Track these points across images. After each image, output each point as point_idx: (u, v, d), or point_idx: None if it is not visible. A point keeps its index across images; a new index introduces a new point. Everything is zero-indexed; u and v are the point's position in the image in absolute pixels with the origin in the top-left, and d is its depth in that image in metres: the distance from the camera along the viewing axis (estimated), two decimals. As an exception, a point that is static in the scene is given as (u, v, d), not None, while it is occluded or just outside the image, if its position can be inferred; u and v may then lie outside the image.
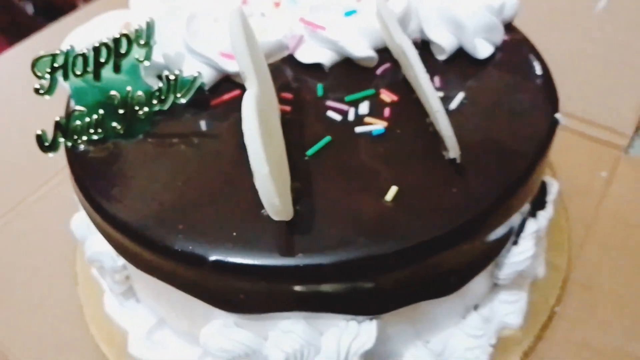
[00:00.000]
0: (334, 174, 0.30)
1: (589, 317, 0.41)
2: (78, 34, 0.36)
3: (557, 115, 0.34)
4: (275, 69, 0.36)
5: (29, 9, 1.32)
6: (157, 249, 0.29)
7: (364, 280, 0.28)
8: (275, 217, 0.25)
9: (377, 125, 0.32)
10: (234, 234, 0.28)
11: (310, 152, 0.31)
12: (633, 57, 0.55)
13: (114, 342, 0.39)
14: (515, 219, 0.33)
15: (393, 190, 0.29)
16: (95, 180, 0.32)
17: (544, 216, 0.37)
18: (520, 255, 0.35)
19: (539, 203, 0.38)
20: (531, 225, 0.35)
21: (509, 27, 0.40)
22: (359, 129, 0.32)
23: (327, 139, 0.32)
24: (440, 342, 0.36)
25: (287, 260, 0.27)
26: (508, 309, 0.38)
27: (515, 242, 0.35)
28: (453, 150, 0.28)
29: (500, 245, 0.33)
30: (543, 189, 0.39)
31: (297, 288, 0.28)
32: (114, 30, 0.36)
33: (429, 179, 0.30)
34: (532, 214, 0.37)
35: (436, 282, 0.31)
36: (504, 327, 0.38)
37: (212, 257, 0.28)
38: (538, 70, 0.37)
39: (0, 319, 0.43)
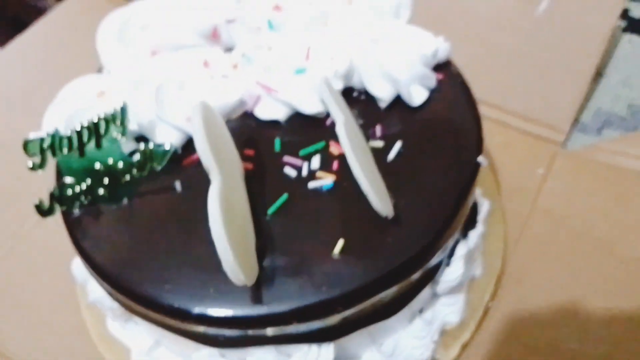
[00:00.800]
0: (290, 230, 0.36)
1: (520, 310, 0.48)
2: (56, 108, 0.40)
3: (479, 159, 0.40)
4: (238, 125, 0.41)
5: None
6: (149, 305, 0.35)
7: (319, 320, 0.35)
8: (241, 285, 0.31)
9: (327, 180, 0.38)
10: (211, 290, 0.34)
11: (270, 211, 0.37)
12: (570, 57, 0.60)
13: (119, 356, 0.46)
14: (446, 247, 0.40)
15: (340, 243, 0.35)
16: (89, 240, 0.38)
17: (475, 234, 0.44)
18: (453, 274, 0.41)
19: (470, 223, 0.44)
20: (461, 249, 0.41)
21: (445, 64, 0.45)
22: (311, 185, 0.38)
23: (285, 196, 0.37)
24: (391, 344, 0.43)
25: (255, 310, 0.33)
26: (448, 310, 0.45)
27: (447, 264, 0.41)
28: (381, 210, 0.34)
29: (433, 271, 0.40)
30: (474, 209, 0.45)
31: (266, 331, 0.35)
32: (90, 99, 0.41)
33: (369, 230, 0.36)
34: (464, 234, 0.43)
35: (380, 311, 0.38)
36: (445, 325, 0.46)
37: (195, 311, 0.34)
38: (466, 112, 0.42)
39: (15, 338, 0.50)
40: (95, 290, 0.41)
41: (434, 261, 0.38)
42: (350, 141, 0.32)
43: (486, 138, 0.60)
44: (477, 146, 0.40)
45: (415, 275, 0.37)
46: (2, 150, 0.59)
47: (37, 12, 0.96)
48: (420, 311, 0.45)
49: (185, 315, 0.34)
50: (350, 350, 0.41)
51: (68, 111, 0.39)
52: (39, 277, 0.53)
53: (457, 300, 0.46)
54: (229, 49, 0.45)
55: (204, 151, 0.31)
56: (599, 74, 0.66)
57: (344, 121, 0.33)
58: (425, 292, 0.43)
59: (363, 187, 0.33)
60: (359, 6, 0.45)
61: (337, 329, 0.36)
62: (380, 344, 0.43)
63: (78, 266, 0.43)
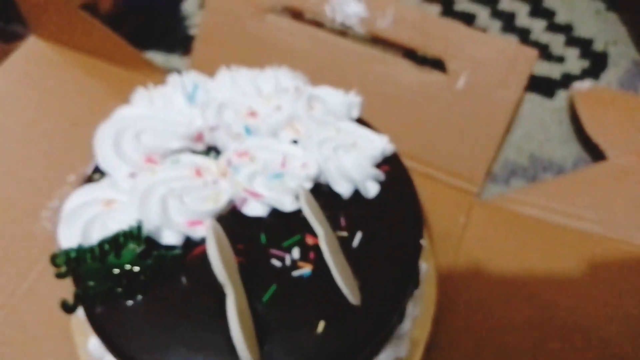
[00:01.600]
0: (281, 314, 0.46)
1: (451, 341, 0.61)
2: (70, 216, 0.46)
3: (422, 242, 0.51)
4: (228, 221, 0.49)
5: None
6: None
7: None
8: (252, 371, 0.41)
9: (306, 269, 0.47)
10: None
11: (265, 299, 0.46)
12: (483, 122, 0.73)
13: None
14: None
15: (322, 324, 0.45)
16: (106, 326, 0.45)
17: (419, 292, 0.55)
18: (404, 329, 0.53)
19: (416, 284, 0.56)
20: (410, 307, 0.53)
21: (391, 157, 0.55)
22: (294, 273, 0.47)
23: (274, 287, 0.46)
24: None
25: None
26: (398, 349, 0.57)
27: (400, 321, 0.53)
28: (351, 299, 0.44)
29: (393, 331, 0.51)
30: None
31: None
32: (100, 208, 0.47)
33: (344, 311, 0.46)
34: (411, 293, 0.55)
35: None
36: None
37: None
38: (409, 200, 0.53)
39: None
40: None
41: (394, 327, 0.49)
42: (329, 249, 0.42)
43: (418, 190, 0.73)
44: (419, 230, 0.51)
45: (383, 339, 0.48)
46: None
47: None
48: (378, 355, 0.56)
49: (202, 392, 0.43)
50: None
51: (81, 222, 0.46)
52: (39, 342, 0.59)
53: (403, 340, 0.57)
54: (210, 147, 0.53)
55: (219, 270, 0.40)
56: (506, 130, 0.80)
57: (322, 234, 0.43)
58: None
59: (340, 286, 0.43)
60: (318, 110, 0.54)
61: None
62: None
63: (95, 346, 0.50)
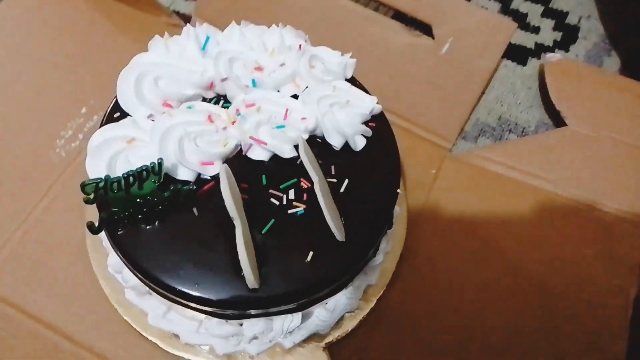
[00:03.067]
0: (277, 244, 0.53)
1: (415, 276, 0.70)
2: (96, 151, 0.52)
3: (398, 191, 0.58)
4: (234, 163, 0.55)
5: None
6: (170, 290, 0.51)
7: (296, 302, 0.53)
8: (252, 287, 0.48)
9: (299, 208, 0.54)
10: (227, 285, 0.51)
11: (264, 231, 0.53)
12: (462, 85, 0.79)
13: (138, 319, 0.62)
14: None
15: (310, 254, 0.53)
16: (127, 246, 0.52)
17: (390, 231, 0.63)
18: (376, 261, 0.61)
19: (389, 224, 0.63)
20: (383, 243, 0.61)
21: (378, 115, 0.61)
22: (290, 211, 0.54)
23: (272, 221, 0.53)
24: (332, 303, 0.63)
25: (254, 294, 0.51)
26: (369, 277, 0.66)
27: (374, 255, 0.61)
28: (338, 236, 0.52)
29: (368, 261, 0.59)
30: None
31: (258, 309, 0.52)
32: (123, 144, 0.53)
33: (329, 245, 0.54)
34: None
35: (335, 290, 0.56)
36: (366, 286, 0.66)
37: (215, 298, 0.50)
38: (389, 154, 0.60)
39: (45, 307, 0.63)
40: (130, 278, 0.55)
41: (369, 260, 0.57)
42: (322, 194, 0.49)
43: (398, 142, 0.80)
44: (397, 181, 0.58)
45: (359, 270, 0.56)
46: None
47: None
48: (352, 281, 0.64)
49: (208, 303, 0.50)
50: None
51: (106, 156, 0.51)
52: (58, 258, 0.66)
53: (375, 270, 0.66)
54: (221, 96, 0.58)
55: (230, 206, 0.46)
56: (481, 92, 0.86)
57: (317, 180, 0.49)
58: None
59: (330, 225, 0.50)
60: (318, 70, 0.59)
61: (305, 305, 0.55)
62: (325, 303, 0.63)
63: (113, 261, 0.57)
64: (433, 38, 0.76)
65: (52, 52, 0.78)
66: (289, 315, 0.55)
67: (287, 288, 0.51)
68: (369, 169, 0.58)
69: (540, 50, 0.90)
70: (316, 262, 0.52)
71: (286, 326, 0.55)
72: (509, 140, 0.83)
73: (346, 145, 0.59)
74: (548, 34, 0.92)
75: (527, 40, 0.91)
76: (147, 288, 0.56)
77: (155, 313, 0.60)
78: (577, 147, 0.79)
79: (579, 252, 0.72)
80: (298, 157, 0.56)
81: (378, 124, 0.61)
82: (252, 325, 0.55)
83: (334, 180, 0.57)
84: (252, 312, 0.53)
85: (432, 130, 0.79)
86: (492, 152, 0.80)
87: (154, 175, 0.50)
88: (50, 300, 0.63)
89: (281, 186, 0.55)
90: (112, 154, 0.52)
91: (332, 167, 0.57)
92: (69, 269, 0.65)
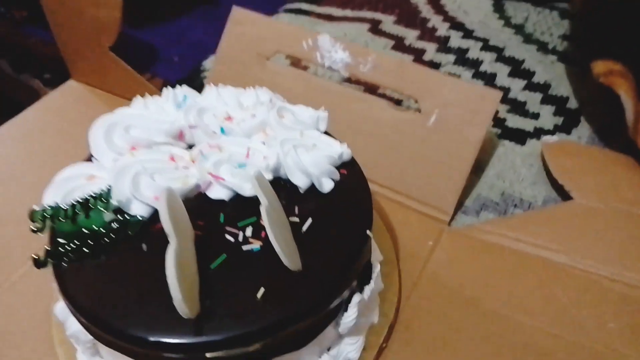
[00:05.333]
0: (227, 280, 0.47)
1: (404, 350, 0.59)
2: (56, 185, 0.51)
3: (368, 232, 0.52)
4: (193, 203, 0.53)
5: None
6: (115, 334, 0.45)
7: (243, 347, 0.45)
8: (186, 317, 0.42)
9: (256, 245, 0.50)
10: (163, 323, 0.44)
11: (213, 265, 0.48)
12: (453, 157, 0.75)
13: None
14: (344, 296, 0.51)
15: (261, 290, 0.46)
16: (72, 285, 0.48)
17: (368, 288, 0.56)
18: (349, 317, 0.52)
19: (365, 280, 0.56)
20: (355, 298, 0.53)
21: (350, 162, 0.59)
22: (245, 247, 0.49)
23: (223, 256, 0.49)
24: (303, 375, 0.54)
25: (194, 339, 0.44)
26: (350, 348, 0.56)
27: (345, 309, 0.53)
28: (290, 265, 0.46)
29: (334, 313, 0.51)
30: (369, 269, 0.57)
31: (202, 355, 0.45)
32: (82, 181, 0.52)
33: (284, 281, 0.47)
34: (360, 288, 0.55)
35: (291, 340, 0.48)
36: (347, 360, 0.57)
37: (151, 338, 0.44)
38: (361, 197, 0.55)
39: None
40: (73, 326, 0.50)
41: (332, 305, 0.49)
42: (268, 217, 0.45)
43: (390, 215, 0.75)
44: (367, 222, 0.53)
45: (318, 315, 0.48)
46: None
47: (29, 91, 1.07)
48: (329, 349, 0.55)
49: (143, 343, 0.44)
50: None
51: (64, 190, 0.50)
52: (20, 324, 0.61)
53: (358, 340, 0.57)
54: (191, 146, 0.58)
55: (165, 221, 0.43)
56: (480, 169, 0.82)
57: (266, 204, 0.46)
58: (331, 333, 0.54)
59: (275, 248, 0.45)
60: (288, 119, 0.59)
61: (258, 356, 0.47)
62: (296, 375, 0.53)
63: (60, 308, 0.52)
64: (419, 111, 0.75)
65: (67, 147, 0.82)
66: (245, 373, 0.47)
67: (232, 325, 0.44)
68: (337, 210, 0.54)
69: (539, 133, 0.87)
70: (268, 298, 0.46)
71: (236, 384, 0.47)
72: (514, 214, 0.76)
73: (313, 189, 0.55)
74: (548, 119, 0.90)
75: (526, 124, 0.89)
76: (89, 337, 0.50)
77: (103, 379, 0.53)
78: (586, 219, 0.71)
79: (602, 327, 0.60)
80: (259, 196, 0.53)
81: (350, 172, 0.58)
82: (198, 381, 0.47)
83: (296, 219, 0.52)
84: (194, 357, 0.45)
85: (426, 202, 0.74)
86: (496, 225, 0.73)
87: (102, 203, 0.48)
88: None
89: (239, 224, 0.51)
90: (69, 189, 0.51)
91: (296, 207, 0.53)
92: (29, 335, 0.60)
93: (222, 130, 0.57)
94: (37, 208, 0.47)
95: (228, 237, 0.50)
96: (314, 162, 0.54)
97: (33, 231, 0.47)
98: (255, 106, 0.61)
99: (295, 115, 0.60)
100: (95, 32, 0.84)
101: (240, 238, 0.50)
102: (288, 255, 0.46)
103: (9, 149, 0.85)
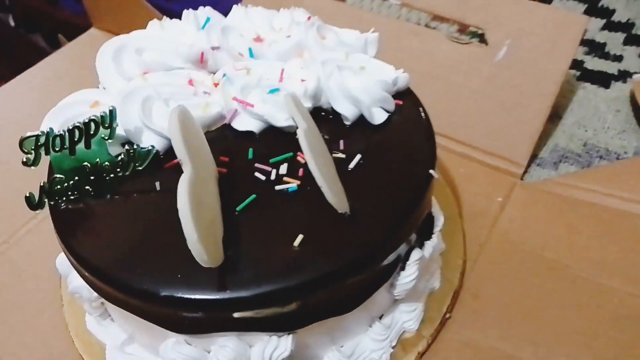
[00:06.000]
0: (257, 225, 0.38)
1: (473, 322, 0.50)
2: (56, 112, 0.43)
3: (431, 172, 0.42)
4: (216, 136, 0.44)
5: (11, 21, 1.37)
6: (121, 288, 0.37)
7: (277, 307, 0.37)
8: (205, 266, 0.33)
9: (292, 184, 0.40)
10: (179, 275, 0.36)
11: (239, 208, 0.39)
12: (527, 98, 0.64)
13: (95, 354, 0.47)
14: (400, 250, 0.42)
15: (299, 237, 0.37)
16: (72, 232, 0.40)
17: (430, 245, 0.46)
18: (407, 277, 0.43)
19: (426, 234, 0.46)
20: (415, 254, 0.43)
21: (405, 92, 0.48)
22: (278, 187, 0.40)
23: (253, 196, 0.40)
24: (351, 346, 0.44)
25: (217, 294, 0.35)
26: (407, 317, 0.47)
27: (403, 268, 0.43)
28: (337, 207, 0.37)
29: (389, 271, 0.42)
30: (430, 222, 0.47)
31: (227, 315, 0.36)
32: (85, 108, 0.44)
33: (328, 226, 0.38)
34: (420, 244, 0.45)
35: (336, 302, 0.39)
36: (403, 332, 0.47)
37: (162, 293, 0.36)
38: (421, 132, 0.45)
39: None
40: (75, 280, 0.42)
41: (386, 260, 0.40)
42: (308, 143, 0.35)
43: (450, 169, 0.64)
44: (430, 159, 0.43)
45: (369, 272, 0.39)
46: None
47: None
48: (380, 317, 0.46)
49: (153, 298, 0.36)
50: (312, 350, 0.43)
51: (64, 117, 0.42)
52: (26, 281, 0.55)
53: (416, 308, 0.47)
54: (213, 73, 0.49)
55: (177, 142, 0.34)
56: (557, 116, 0.70)
57: (304, 128, 0.36)
58: (384, 297, 0.45)
59: (318, 182, 0.35)
60: (331, 40, 0.49)
61: (295, 319, 0.38)
62: (340, 346, 0.44)
63: (61, 260, 0.44)
64: (486, 44, 0.64)
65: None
66: (274, 338, 0.38)
67: (263, 279, 0.36)
68: (391, 146, 0.44)
69: (625, 75, 0.74)
70: (307, 246, 0.37)
71: (269, 353, 0.38)
72: (600, 165, 0.64)
73: (362, 121, 0.45)
74: (634, 61, 0.76)
75: (609, 67, 0.76)
76: (93, 294, 0.42)
77: (113, 344, 0.45)
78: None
79: None
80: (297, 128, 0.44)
81: (406, 103, 0.48)
82: (221, 349, 0.38)
83: (341, 155, 0.43)
84: (215, 317, 0.37)
85: (494, 153, 0.63)
86: (581, 179, 0.61)
87: (104, 130, 0.40)
88: (4, 327, 0.51)
89: (271, 160, 0.42)
90: (70, 116, 0.43)
91: (340, 142, 0.44)
92: (34, 295, 0.53)
93: (251, 52, 0.48)
94: (29, 134, 0.39)
95: (258, 175, 0.41)
96: (363, 87, 0.44)
97: (24, 163, 0.39)
98: (290, 27, 0.51)
99: (339, 36, 0.50)
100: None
101: (273, 176, 0.41)
102: (335, 193, 0.36)
103: (26, 98, 0.79)
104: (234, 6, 0.54)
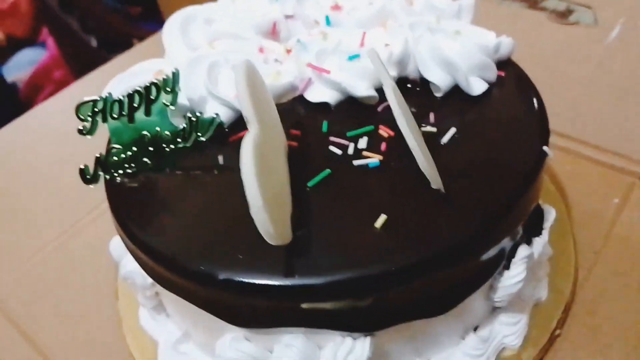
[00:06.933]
0: (331, 203, 0.33)
1: (590, 341, 0.41)
2: (118, 80, 0.41)
3: (545, 148, 0.36)
4: (287, 108, 0.40)
5: (93, 42, 1.43)
6: (175, 269, 0.32)
7: (353, 299, 0.31)
8: (271, 242, 0.28)
9: (373, 159, 0.35)
10: (240, 256, 0.31)
11: (310, 183, 0.34)
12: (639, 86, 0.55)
13: (146, 352, 0.43)
14: (504, 244, 0.35)
15: (382, 218, 0.32)
16: (127, 208, 0.36)
17: (539, 242, 0.38)
18: (512, 279, 0.36)
19: (534, 229, 0.39)
20: (522, 251, 0.36)
21: (507, 62, 0.42)
22: (356, 162, 0.35)
23: (327, 171, 0.35)
24: (439, 360, 0.38)
25: (284, 280, 0.30)
26: (508, 331, 0.39)
27: (507, 267, 0.36)
28: (433, 182, 0.31)
29: (489, 269, 0.35)
30: (540, 216, 0.40)
31: (294, 305, 0.31)
32: (148, 76, 0.41)
33: (416, 207, 0.32)
34: (528, 240, 0.38)
35: (423, 302, 0.33)
36: (503, 348, 0.40)
37: (221, 276, 0.31)
38: (530, 104, 0.39)
39: (49, 327, 0.48)
40: (128, 264, 0.39)
41: (487, 254, 0.33)
42: (398, 101, 0.30)
43: (556, 166, 0.56)
44: (543, 136, 0.36)
45: (465, 266, 0.32)
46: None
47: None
48: (475, 329, 0.39)
49: (211, 281, 0.31)
50: (391, 359, 0.36)
51: (125, 85, 0.40)
52: (82, 273, 0.53)
53: (519, 320, 0.40)
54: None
55: (243, 96, 0.30)
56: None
57: (392, 84, 0.31)
58: (482, 304, 0.38)
59: (412, 148, 0.30)
60: (419, 5, 0.44)
61: (374, 317, 0.32)
62: (427, 359, 0.38)
63: (115, 244, 0.41)
64: (595, 24, 0.56)
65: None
66: (348, 339, 0.32)
67: (337, 265, 0.30)
68: (494, 119, 0.38)
69: None
70: (390, 232, 0.31)
71: (342, 358, 0.32)
72: None
73: (455, 93, 0.39)
74: None
75: None
76: (147, 280, 0.38)
77: (166, 341, 0.41)
78: None
79: None
80: (378, 98, 0.39)
81: (509, 74, 0.41)
82: (286, 348, 0.33)
83: (432, 129, 0.37)
84: (280, 308, 0.32)
85: (608, 149, 0.55)
86: None
87: (166, 94, 0.36)
88: (57, 319, 0.49)
89: (349, 134, 0.37)
90: (131, 85, 0.40)
91: (431, 115, 0.38)
92: (89, 287, 0.51)
93: (328, 20, 0.44)
94: (86, 99, 0.37)
95: (333, 149, 0.36)
96: (459, 50, 0.38)
97: (80, 132, 0.37)
98: (374, -3, 0.46)
99: (428, 1, 0.44)
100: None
101: (351, 151, 0.36)
102: (429, 162, 0.30)
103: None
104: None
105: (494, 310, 0.39)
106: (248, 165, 0.27)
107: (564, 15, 0.66)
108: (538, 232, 0.39)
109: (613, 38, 0.55)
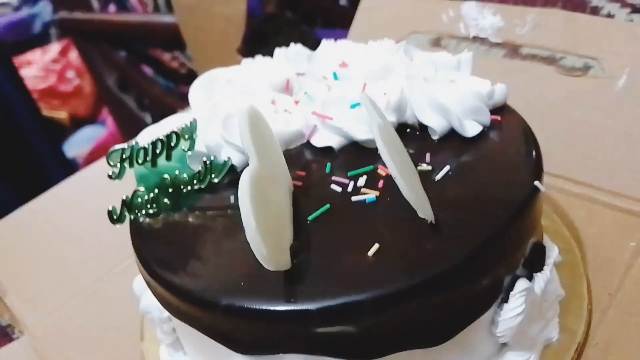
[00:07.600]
0: (328, 234, 0.36)
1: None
2: (147, 132, 0.46)
3: (537, 183, 0.37)
4: (295, 153, 0.43)
5: (148, 118, 1.54)
6: (184, 297, 0.35)
7: (348, 325, 0.32)
8: (265, 265, 0.31)
9: (370, 195, 0.37)
10: (242, 283, 0.34)
11: (311, 217, 0.37)
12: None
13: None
14: (500, 276, 0.36)
15: (375, 247, 0.34)
16: (146, 244, 0.40)
17: (540, 278, 0.39)
18: (511, 312, 0.36)
19: (536, 266, 0.40)
20: (521, 284, 0.37)
21: (503, 108, 0.45)
22: (355, 198, 0.38)
23: (327, 206, 0.37)
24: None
25: (280, 305, 0.32)
26: (515, 369, 0.39)
27: (505, 300, 0.37)
28: (420, 210, 0.33)
29: (485, 300, 0.36)
30: (541, 253, 0.41)
31: (292, 330, 0.33)
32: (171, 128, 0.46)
33: (408, 237, 0.34)
34: (529, 276, 0.39)
35: (420, 330, 0.34)
36: (511, 388, 0.39)
37: (223, 302, 0.33)
38: (523, 144, 0.40)
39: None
40: (147, 299, 0.42)
41: (480, 284, 0.34)
42: (382, 137, 0.33)
43: (570, 212, 0.57)
44: (536, 171, 0.38)
45: (457, 292, 0.34)
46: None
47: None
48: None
49: (214, 307, 0.33)
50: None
51: (152, 135, 0.44)
52: (112, 318, 0.56)
53: (527, 358, 0.40)
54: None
55: (244, 134, 0.33)
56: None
57: (379, 122, 0.34)
58: (486, 339, 0.38)
59: (394, 177, 0.32)
60: (419, 61, 0.47)
61: (371, 343, 0.33)
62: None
63: (138, 281, 0.44)
64: (604, 74, 0.58)
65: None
66: (347, 367, 0.34)
67: (333, 292, 0.32)
68: (487, 158, 0.40)
69: None
70: (382, 258, 0.33)
71: (340, 385, 0.33)
72: None
73: (450, 137, 0.42)
74: None
75: None
76: (164, 314, 0.41)
77: (183, 376, 0.43)
78: None
79: None
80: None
81: (505, 120, 0.44)
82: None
83: (428, 167, 0.39)
84: (280, 333, 0.33)
85: (621, 193, 0.55)
86: None
87: (185, 141, 0.41)
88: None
89: (350, 173, 0.40)
90: (157, 135, 0.44)
91: (427, 155, 0.40)
92: (116, 330, 0.54)
93: (335, 75, 0.48)
94: (115, 147, 0.41)
95: (334, 187, 0.39)
96: (452, 96, 0.41)
97: (109, 177, 0.41)
98: (376, 52, 0.50)
99: (428, 56, 0.48)
100: (223, 32, 0.83)
101: (350, 188, 0.39)
102: (417, 194, 0.33)
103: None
104: (323, 39, 0.55)
105: (502, 347, 0.40)
106: (244, 191, 0.31)
107: (574, 68, 0.69)
108: (539, 268, 0.39)
109: (620, 87, 0.57)
